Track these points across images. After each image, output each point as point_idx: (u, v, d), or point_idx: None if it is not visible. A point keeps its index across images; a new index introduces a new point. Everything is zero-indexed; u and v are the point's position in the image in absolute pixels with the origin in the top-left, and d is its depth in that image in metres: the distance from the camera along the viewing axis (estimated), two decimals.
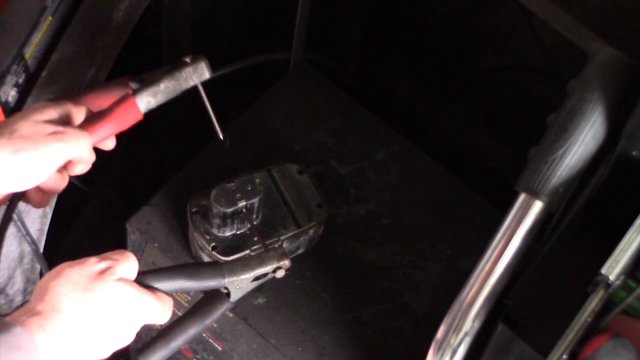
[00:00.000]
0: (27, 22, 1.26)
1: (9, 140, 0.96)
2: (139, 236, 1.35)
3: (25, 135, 0.98)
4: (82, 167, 1.07)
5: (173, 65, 1.14)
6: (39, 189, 1.06)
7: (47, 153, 0.98)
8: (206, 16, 1.72)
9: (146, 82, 1.13)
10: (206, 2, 1.70)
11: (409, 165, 1.50)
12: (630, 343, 0.89)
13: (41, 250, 1.35)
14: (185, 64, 1.13)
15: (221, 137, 1.21)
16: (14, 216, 1.22)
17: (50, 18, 1.30)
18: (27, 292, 1.45)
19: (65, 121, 1.05)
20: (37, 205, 1.09)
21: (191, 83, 1.14)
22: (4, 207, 1.12)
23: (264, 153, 1.43)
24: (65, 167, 1.06)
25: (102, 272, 0.91)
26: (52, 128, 1.00)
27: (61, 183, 1.07)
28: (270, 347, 1.29)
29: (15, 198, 1.08)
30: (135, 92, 1.11)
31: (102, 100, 1.14)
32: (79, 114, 1.07)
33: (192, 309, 1.04)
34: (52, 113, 1.03)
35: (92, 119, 1.09)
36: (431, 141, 1.69)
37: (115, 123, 1.09)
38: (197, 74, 1.13)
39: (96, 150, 1.10)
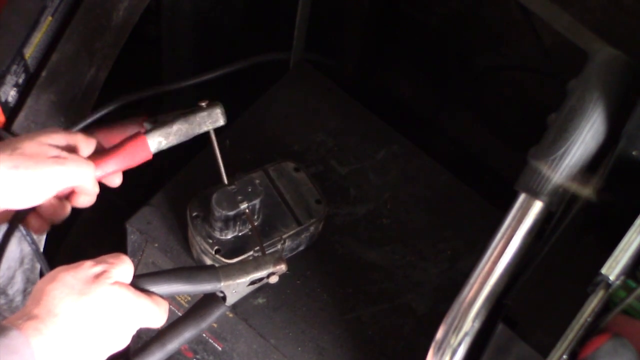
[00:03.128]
0: (27, 22, 1.27)
1: (10, 157, 0.97)
2: (139, 236, 1.35)
3: (27, 153, 0.98)
4: (84, 199, 1.07)
5: (189, 109, 1.16)
6: (38, 215, 1.06)
7: (46, 174, 0.98)
8: (206, 16, 1.72)
9: (160, 123, 1.14)
10: (206, 2, 1.70)
11: (409, 165, 1.50)
12: (630, 343, 0.89)
13: (41, 250, 1.35)
14: (201, 109, 1.15)
15: (225, 182, 1.23)
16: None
17: (50, 18, 1.31)
18: (27, 293, 1.45)
19: (72, 149, 1.05)
20: (36, 231, 1.10)
21: (204, 128, 1.16)
22: (4, 227, 1.12)
23: (264, 153, 1.43)
24: (67, 197, 1.06)
25: (98, 275, 0.91)
26: (56, 152, 1.01)
27: (61, 211, 1.07)
28: (270, 347, 1.29)
29: (16, 219, 1.08)
30: (148, 131, 1.12)
31: (114, 138, 1.15)
32: (87, 146, 1.08)
33: (188, 312, 1.04)
34: (60, 139, 1.04)
35: (100, 153, 1.09)
36: (431, 141, 1.68)
37: (123, 159, 1.10)
38: (211, 120, 1.16)
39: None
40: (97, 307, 0.90)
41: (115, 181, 1.12)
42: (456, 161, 1.61)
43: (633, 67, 1.00)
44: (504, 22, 1.65)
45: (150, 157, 1.12)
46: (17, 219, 1.08)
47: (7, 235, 1.12)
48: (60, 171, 0.99)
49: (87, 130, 1.17)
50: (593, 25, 1.06)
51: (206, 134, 1.19)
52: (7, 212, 1.06)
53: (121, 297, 0.92)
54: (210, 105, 1.16)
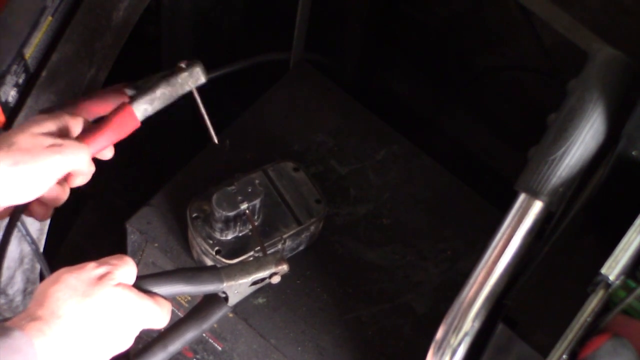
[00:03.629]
0: (27, 22, 1.27)
1: (7, 153, 0.97)
2: (139, 236, 1.35)
3: (23, 148, 0.98)
4: (82, 179, 1.07)
5: (168, 71, 1.14)
6: (40, 202, 1.06)
7: (46, 165, 0.98)
8: (206, 16, 1.72)
9: (142, 88, 1.12)
10: (206, 2, 1.70)
11: (409, 165, 1.50)
12: (630, 343, 0.89)
13: (41, 250, 1.35)
14: (181, 69, 1.13)
15: (215, 140, 1.20)
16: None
17: (50, 18, 1.31)
18: (27, 292, 1.45)
19: (63, 133, 1.05)
20: (40, 218, 1.09)
21: (187, 88, 1.13)
22: (4, 221, 1.12)
23: (264, 153, 1.43)
24: (65, 179, 1.06)
25: (101, 277, 0.91)
26: (50, 140, 1.00)
27: (62, 195, 1.06)
28: (270, 347, 1.29)
29: (17, 212, 1.08)
30: (132, 100, 1.10)
31: (98, 108, 1.14)
32: (76, 125, 1.07)
33: (190, 313, 1.04)
34: (50, 125, 1.03)
35: (90, 130, 1.08)
36: (431, 141, 1.69)
37: (113, 133, 1.09)
38: (192, 79, 1.13)
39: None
40: (101, 308, 0.90)
41: (107, 155, 1.11)
42: (456, 161, 1.61)
43: (633, 67, 1.00)
44: (504, 22, 1.65)
45: (138, 125, 1.10)
46: (19, 210, 1.08)
47: (9, 228, 1.12)
48: (58, 160, 0.99)
49: (69, 104, 1.15)
50: (593, 25, 1.06)
51: (190, 94, 1.16)
52: (9, 207, 1.06)
53: (124, 298, 0.92)
54: (190, 65, 1.14)
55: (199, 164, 1.43)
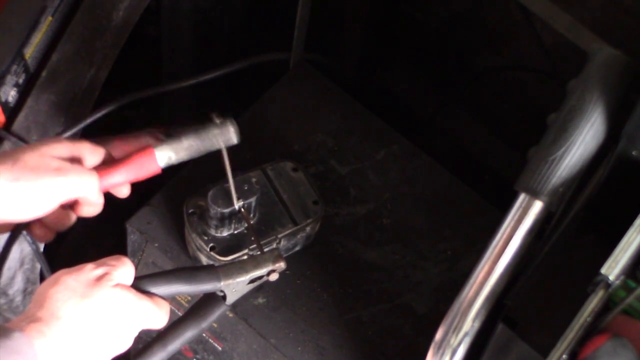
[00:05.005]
0: (27, 22, 1.27)
1: (11, 169, 0.96)
2: (139, 236, 1.35)
3: (28, 165, 0.97)
4: (89, 209, 1.06)
5: (201, 125, 1.11)
6: (42, 224, 1.06)
7: (48, 186, 0.97)
8: (206, 16, 1.72)
9: (172, 136, 1.11)
10: (206, 2, 1.70)
11: (409, 165, 1.50)
12: (630, 343, 0.89)
13: (41, 250, 1.35)
14: (214, 126, 1.11)
15: (236, 206, 1.22)
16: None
17: (50, 18, 1.31)
18: (27, 292, 1.45)
19: (75, 160, 1.03)
20: (40, 240, 1.09)
21: (216, 146, 1.12)
22: (5, 236, 1.11)
23: (264, 153, 1.43)
24: (72, 207, 1.05)
25: (99, 278, 0.92)
26: (58, 163, 0.99)
27: (66, 221, 1.06)
28: (270, 347, 1.29)
29: (18, 229, 1.07)
30: (158, 144, 1.09)
31: (129, 148, 1.13)
32: (92, 156, 1.06)
33: (189, 312, 1.04)
34: (62, 149, 1.02)
35: (108, 164, 1.07)
36: (431, 141, 1.68)
37: (130, 171, 1.07)
38: (223, 138, 1.11)
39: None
40: (100, 309, 0.90)
41: (123, 192, 1.10)
42: (456, 161, 1.61)
43: (633, 67, 1.00)
44: (504, 22, 1.65)
45: (158, 171, 1.09)
46: (20, 228, 1.07)
47: (10, 243, 1.12)
48: (61, 182, 0.98)
49: (103, 139, 1.15)
50: (593, 25, 1.06)
51: (219, 152, 1.15)
52: (9, 222, 1.05)
53: (123, 299, 0.92)
54: (223, 123, 1.12)
55: (199, 164, 1.42)
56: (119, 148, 1.14)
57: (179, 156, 1.10)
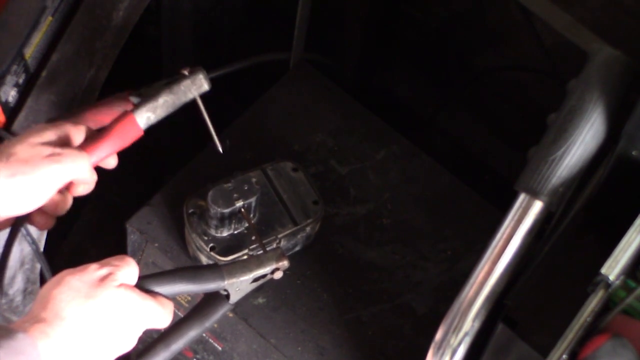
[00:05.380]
0: (27, 22, 1.26)
1: (6, 164, 0.96)
2: (139, 236, 1.35)
3: (22, 158, 0.97)
4: (84, 188, 1.06)
5: (171, 79, 1.13)
6: (41, 211, 1.06)
7: (45, 175, 0.98)
8: (206, 16, 1.72)
9: (145, 96, 1.11)
10: (206, 2, 1.70)
11: (409, 165, 1.50)
12: (630, 343, 0.89)
13: (41, 250, 1.35)
14: (183, 77, 1.12)
15: (220, 150, 1.19)
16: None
17: (50, 18, 1.31)
18: (27, 292, 1.45)
19: (64, 142, 1.04)
20: (41, 227, 1.09)
21: (190, 96, 1.12)
22: (5, 232, 1.11)
23: (264, 153, 1.43)
24: (67, 188, 1.05)
25: (103, 278, 0.92)
26: (50, 150, 0.99)
27: (64, 204, 1.06)
28: (270, 347, 1.29)
29: (18, 222, 1.07)
30: (135, 108, 1.10)
31: (102, 117, 1.13)
32: (78, 134, 1.06)
33: (192, 312, 1.04)
34: (50, 135, 1.02)
35: (92, 138, 1.08)
36: (431, 141, 1.69)
37: (115, 141, 1.08)
38: (195, 87, 1.12)
39: None
40: (104, 309, 0.90)
41: (111, 163, 1.11)
42: (456, 161, 1.61)
43: (633, 67, 1.00)
44: (504, 22, 1.65)
45: (141, 133, 1.10)
46: (20, 220, 1.07)
47: (11, 239, 1.12)
48: (57, 169, 0.99)
49: (74, 113, 1.15)
50: (593, 25, 1.06)
51: (193, 102, 1.16)
52: (9, 217, 1.05)
53: (127, 299, 0.92)
54: (192, 72, 1.13)
55: (199, 163, 1.43)
56: (93, 120, 1.13)
57: (157, 114, 1.11)
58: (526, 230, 0.99)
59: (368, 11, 1.71)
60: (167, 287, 0.98)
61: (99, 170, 1.09)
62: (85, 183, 1.06)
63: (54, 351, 0.86)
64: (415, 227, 1.43)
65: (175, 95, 1.11)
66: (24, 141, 1.00)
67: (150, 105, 1.10)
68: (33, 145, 1.00)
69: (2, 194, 0.96)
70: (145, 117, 1.10)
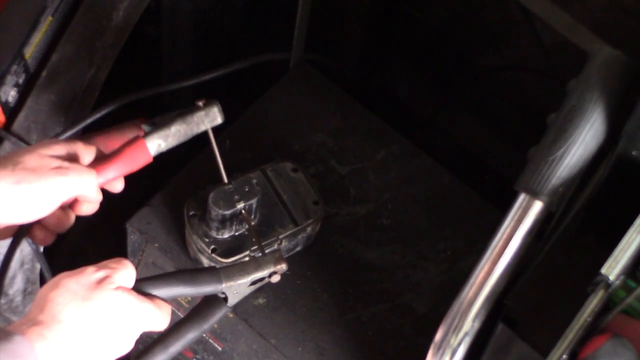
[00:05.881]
0: (27, 22, 1.27)
1: (12, 172, 0.96)
2: (139, 236, 1.35)
3: (28, 167, 0.98)
4: (88, 207, 1.06)
5: (186, 110, 1.15)
6: (42, 226, 1.06)
7: (50, 186, 0.98)
8: (206, 16, 1.72)
9: (158, 125, 1.14)
10: (206, 2, 1.70)
11: (409, 165, 1.50)
12: (630, 343, 0.89)
13: (41, 250, 1.35)
14: (198, 108, 1.14)
15: (226, 181, 1.23)
16: None
17: (50, 18, 1.31)
18: (27, 293, 1.45)
19: (72, 158, 1.05)
20: (41, 243, 1.09)
21: (203, 128, 1.16)
22: (7, 242, 1.12)
23: (264, 153, 1.43)
24: (71, 207, 1.05)
25: (100, 281, 0.92)
26: (57, 163, 1.00)
27: (66, 221, 1.06)
28: (270, 347, 1.29)
29: (20, 233, 1.08)
30: (146, 134, 1.11)
31: (114, 142, 1.15)
32: (87, 154, 1.07)
33: (190, 314, 1.04)
34: (60, 149, 1.03)
35: (101, 159, 1.09)
36: (431, 141, 1.68)
37: (124, 164, 1.10)
38: (209, 119, 1.16)
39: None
40: (101, 312, 0.90)
41: (117, 187, 1.12)
42: (456, 161, 1.61)
43: (633, 67, 1.00)
44: (504, 22, 1.65)
45: (150, 160, 1.12)
46: (22, 232, 1.07)
47: (12, 249, 1.12)
48: (62, 182, 0.99)
49: (86, 137, 1.16)
50: (593, 25, 1.06)
51: (205, 134, 1.19)
52: (12, 226, 1.06)
53: (124, 302, 0.92)
54: (207, 104, 1.15)
55: (199, 164, 1.43)
56: (104, 144, 1.14)
57: (168, 142, 1.13)
58: (526, 230, 0.99)
59: (368, 11, 1.71)
60: (164, 290, 0.98)
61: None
62: (90, 202, 1.06)
63: (51, 354, 0.86)
64: (415, 227, 1.43)
65: (188, 126, 1.14)
66: (32, 151, 1.00)
67: (162, 133, 1.13)
68: (41, 156, 1.00)
69: (6, 201, 0.96)
70: (157, 144, 1.12)
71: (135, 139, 1.11)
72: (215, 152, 1.20)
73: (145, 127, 1.15)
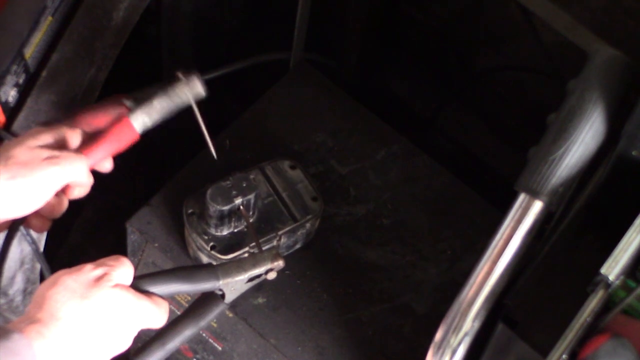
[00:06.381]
0: (27, 22, 1.27)
1: (5, 167, 0.96)
2: (139, 236, 1.35)
3: (21, 161, 0.98)
4: (80, 190, 1.07)
5: (167, 83, 1.13)
6: (38, 215, 1.06)
7: (44, 178, 0.98)
8: (206, 16, 1.72)
9: (140, 100, 1.12)
10: (206, 2, 1.70)
11: (409, 165, 1.50)
12: (630, 343, 0.89)
13: (41, 250, 1.35)
14: (179, 82, 1.12)
15: (214, 155, 1.19)
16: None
17: (50, 18, 1.31)
18: (27, 292, 1.45)
19: (61, 145, 1.04)
20: (39, 230, 1.09)
21: (186, 102, 1.13)
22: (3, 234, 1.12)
23: (264, 153, 1.43)
24: (63, 192, 1.05)
25: (99, 278, 0.92)
26: (48, 153, 1.00)
27: (60, 207, 1.06)
28: (270, 347, 1.29)
29: (15, 225, 1.08)
30: (130, 111, 1.11)
31: (97, 121, 1.14)
32: (74, 138, 1.07)
33: (188, 311, 1.04)
34: (47, 138, 1.03)
35: (88, 142, 1.09)
36: (431, 141, 1.69)
37: (112, 144, 1.09)
38: (191, 92, 1.13)
39: None
40: (99, 310, 0.90)
41: (106, 166, 1.11)
42: (456, 161, 1.61)
43: (633, 67, 1.00)
44: (504, 22, 1.65)
45: (137, 137, 1.11)
46: (18, 223, 1.08)
47: (8, 241, 1.12)
48: (55, 172, 0.99)
49: (69, 117, 1.16)
50: (593, 25, 1.06)
51: (191, 109, 1.16)
52: (8, 220, 1.06)
53: (122, 299, 0.92)
54: (187, 77, 1.13)
55: (199, 163, 1.43)
56: (88, 123, 1.14)
57: (153, 118, 1.12)
58: (526, 230, 0.99)
59: (368, 11, 1.71)
60: (162, 287, 0.98)
61: (98, 171, 1.09)
62: (82, 186, 1.06)
63: (50, 351, 0.86)
64: (415, 227, 1.43)
65: (171, 99, 1.12)
66: (22, 144, 1.00)
67: (146, 109, 1.11)
68: (31, 148, 1.00)
69: (2, 196, 0.96)
70: (142, 120, 1.11)
71: (120, 118, 1.10)
72: (201, 124, 1.15)
73: (128, 103, 1.14)
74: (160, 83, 1.14)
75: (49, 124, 1.09)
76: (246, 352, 1.34)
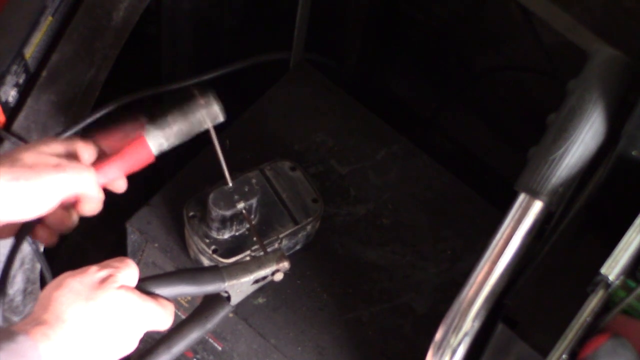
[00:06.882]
0: (27, 22, 1.27)
1: (10, 169, 0.96)
2: (139, 236, 1.35)
3: (27, 164, 0.98)
4: (90, 207, 1.06)
5: (187, 106, 1.13)
6: (44, 225, 1.06)
7: (48, 183, 0.98)
8: (206, 16, 1.72)
9: (159, 123, 1.12)
10: (206, 2, 1.70)
11: (409, 165, 1.50)
12: (630, 343, 0.89)
13: (41, 250, 1.35)
14: (199, 106, 1.12)
15: (230, 183, 1.22)
16: None
17: (50, 18, 1.31)
18: (27, 292, 1.45)
19: (72, 157, 1.04)
20: (44, 242, 1.09)
21: (205, 126, 1.14)
22: (8, 242, 1.11)
23: (264, 153, 1.43)
24: (74, 207, 1.05)
25: (104, 280, 0.92)
26: (56, 160, 1.00)
27: (68, 221, 1.05)
28: (270, 347, 1.29)
29: (22, 233, 1.07)
30: (148, 133, 1.10)
31: (115, 141, 1.14)
32: (86, 152, 1.07)
33: (193, 314, 1.04)
34: (59, 147, 1.03)
35: (102, 158, 1.08)
36: (431, 141, 1.69)
37: (125, 163, 1.08)
38: (210, 117, 1.13)
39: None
40: (104, 312, 0.90)
41: (121, 186, 1.11)
42: (456, 161, 1.61)
43: (633, 67, 1.00)
44: (504, 22, 1.65)
45: (152, 159, 1.11)
46: (24, 231, 1.07)
47: (15, 249, 1.12)
48: (60, 178, 0.99)
49: (87, 136, 1.16)
50: (593, 25, 1.06)
51: (207, 133, 1.17)
52: (14, 225, 1.05)
53: (128, 301, 0.92)
54: (207, 102, 1.14)
55: (199, 164, 1.43)
56: (106, 143, 1.14)
57: (170, 141, 1.12)
58: (526, 230, 0.99)
59: (368, 11, 1.71)
60: (167, 289, 0.98)
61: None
62: (91, 201, 1.05)
63: (55, 353, 0.86)
64: (415, 227, 1.43)
65: (190, 124, 1.13)
66: (31, 149, 1.00)
67: (164, 132, 1.11)
68: (40, 153, 1.00)
69: (4, 198, 0.96)
70: (158, 142, 1.10)
71: (136, 138, 1.11)
72: (217, 152, 1.18)
73: (147, 126, 1.14)
74: (179, 105, 1.14)
75: (65, 137, 1.09)
76: (246, 352, 1.34)
